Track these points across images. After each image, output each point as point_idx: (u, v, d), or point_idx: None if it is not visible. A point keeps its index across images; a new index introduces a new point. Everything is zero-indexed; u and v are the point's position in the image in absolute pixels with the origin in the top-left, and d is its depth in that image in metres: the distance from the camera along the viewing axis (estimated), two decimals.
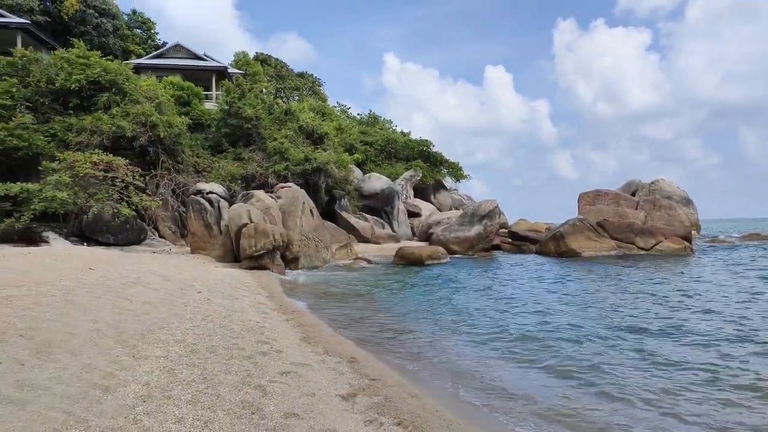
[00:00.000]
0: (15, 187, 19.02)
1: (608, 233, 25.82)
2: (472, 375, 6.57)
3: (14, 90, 21.94)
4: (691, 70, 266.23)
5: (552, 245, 26.06)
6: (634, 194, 37.06)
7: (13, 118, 21.00)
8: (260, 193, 20.39)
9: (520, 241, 30.43)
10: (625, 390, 5.92)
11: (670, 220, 26.15)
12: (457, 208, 41.92)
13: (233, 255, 18.12)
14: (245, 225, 17.23)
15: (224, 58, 38.74)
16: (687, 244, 25.59)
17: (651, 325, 9.41)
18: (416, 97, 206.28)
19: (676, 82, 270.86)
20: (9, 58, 23.15)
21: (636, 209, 26.67)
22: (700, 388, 5.99)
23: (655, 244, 25.33)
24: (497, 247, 30.26)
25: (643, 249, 25.22)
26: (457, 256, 26.74)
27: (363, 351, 7.27)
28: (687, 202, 41.15)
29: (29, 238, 18.91)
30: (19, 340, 5.09)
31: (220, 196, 22.21)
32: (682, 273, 18.03)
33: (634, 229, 25.75)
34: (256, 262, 16.95)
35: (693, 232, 30.67)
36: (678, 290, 13.83)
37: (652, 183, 41.58)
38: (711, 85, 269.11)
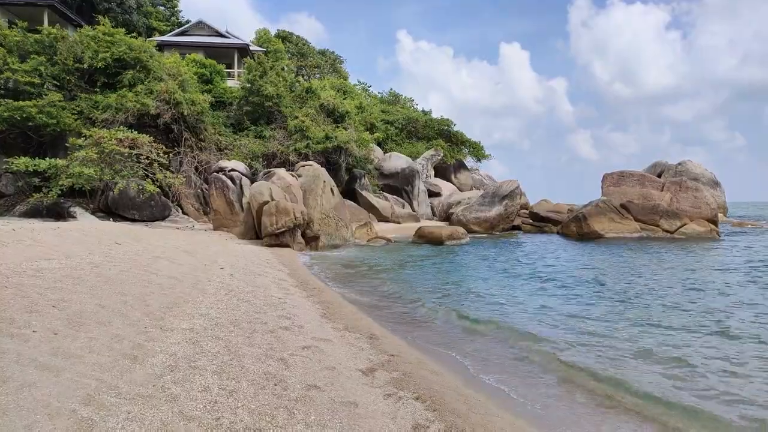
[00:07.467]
0: (43, 163, 19.51)
1: (632, 215, 25.44)
2: (488, 351, 6.62)
3: (42, 68, 22.19)
4: (711, 49, 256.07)
5: (574, 226, 25.82)
6: (659, 176, 36.32)
7: (43, 95, 21.32)
8: (281, 171, 20.53)
9: (541, 222, 30.17)
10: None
11: (696, 202, 25.53)
12: (477, 188, 41.67)
13: (255, 232, 18.37)
14: (266, 203, 17.42)
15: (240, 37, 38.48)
16: (713, 227, 25.08)
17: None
18: (431, 77, 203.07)
19: (694, 63, 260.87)
20: (36, 36, 23.27)
21: (662, 191, 26.15)
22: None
23: (680, 227, 24.88)
24: (518, 228, 30.08)
25: (667, 231, 24.80)
26: (477, 235, 26.68)
27: (382, 328, 7.37)
28: (714, 184, 40.29)
29: (57, 213, 19.40)
30: (52, 311, 5.29)
31: (242, 174, 22.45)
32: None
33: (658, 210, 25.30)
34: (277, 240, 17.17)
35: (720, 214, 30.02)
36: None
37: (679, 164, 40.81)
38: (731, 66, 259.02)
